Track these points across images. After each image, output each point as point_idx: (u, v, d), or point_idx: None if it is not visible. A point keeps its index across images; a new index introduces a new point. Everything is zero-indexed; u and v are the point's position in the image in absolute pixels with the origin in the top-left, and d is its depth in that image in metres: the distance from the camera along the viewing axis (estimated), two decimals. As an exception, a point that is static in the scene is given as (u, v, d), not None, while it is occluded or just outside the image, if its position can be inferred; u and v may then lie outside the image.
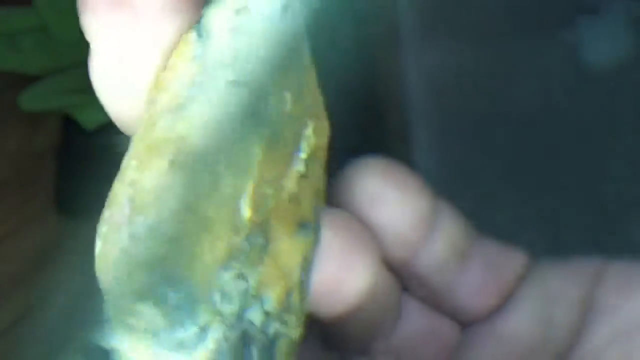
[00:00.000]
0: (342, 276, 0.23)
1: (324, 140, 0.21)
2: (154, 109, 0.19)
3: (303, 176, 0.20)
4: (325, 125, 0.21)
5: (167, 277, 0.18)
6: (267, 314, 0.20)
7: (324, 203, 0.22)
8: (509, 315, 0.25)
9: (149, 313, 0.18)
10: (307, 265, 0.21)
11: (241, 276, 0.19)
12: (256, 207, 0.19)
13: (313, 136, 0.20)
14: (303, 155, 0.20)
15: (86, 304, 0.56)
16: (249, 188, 0.19)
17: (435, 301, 0.25)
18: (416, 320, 0.25)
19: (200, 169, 0.18)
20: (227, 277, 0.19)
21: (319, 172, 0.21)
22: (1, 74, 0.61)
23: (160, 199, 0.18)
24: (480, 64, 0.45)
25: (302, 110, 0.20)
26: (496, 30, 0.46)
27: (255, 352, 0.20)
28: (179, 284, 0.18)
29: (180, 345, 0.19)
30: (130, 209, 0.18)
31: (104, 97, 0.19)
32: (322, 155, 0.21)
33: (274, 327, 0.20)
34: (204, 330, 0.19)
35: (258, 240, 0.19)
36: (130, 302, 0.18)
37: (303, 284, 0.21)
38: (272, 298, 0.20)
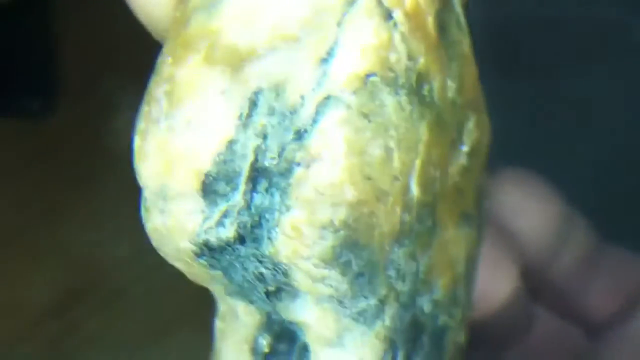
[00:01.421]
0: (489, 285, 0.24)
1: (486, 136, 0.22)
2: (186, 8, 0.19)
3: (466, 170, 0.21)
4: (486, 120, 0.22)
5: (351, 243, 0.18)
6: (435, 303, 0.21)
7: (486, 201, 0.22)
8: (636, 321, 0.25)
9: (336, 279, 0.18)
10: (470, 260, 0.21)
11: (413, 256, 0.19)
12: (424, 187, 0.19)
13: (475, 130, 0.21)
14: (466, 149, 0.21)
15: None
16: (417, 166, 0.19)
17: (564, 308, 0.26)
18: (545, 328, 0.26)
19: (371, 143, 0.18)
20: (401, 254, 0.19)
21: (480, 167, 0.21)
22: None
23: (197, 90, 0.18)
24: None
25: (464, 102, 0.20)
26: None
27: (426, 341, 0.20)
28: (361, 250, 0.18)
29: (362, 315, 0.19)
30: (167, 103, 0.18)
31: (132, 1, 0.19)
32: (484, 151, 0.22)
33: (442, 318, 0.21)
34: (382, 303, 0.19)
35: (428, 222, 0.20)
36: (317, 267, 0.18)
37: (468, 281, 0.21)
38: (441, 286, 0.21)
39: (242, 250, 0.18)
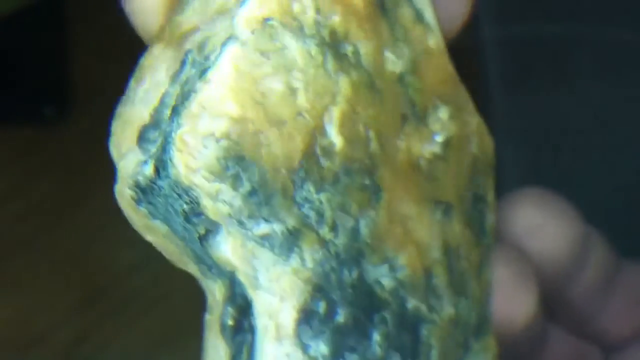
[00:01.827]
0: (511, 310, 0.23)
1: (478, 139, 0.23)
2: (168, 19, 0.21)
3: (440, 158, 0.22)
4: (472, 121, 0.22)
5: (235, 155, 0.19)
6: (400, 282, 0.21)
7: (494, 214, 0.23)
8: None
9: (228, 194, 0.19)
10: (452, 253, 0.22)
11: (344, 209, 0.21)
12: (350, 141, 0.20)
13: (451, 123, 0.22)
14: (440, 138, 0.22)
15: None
16: (335, 115, 0.20)
17: (580, 327, 0.26)
18: (561, 348, 0.26)
19: (269, 77, 0.20)
20: (323, 198, 0.20)
21: (465, 165, 0.22)
22: None
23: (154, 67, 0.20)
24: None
25: (427, 89, 0.22)
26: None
27: (390, 320, 0.21)
28: (248, 165, 0.20)
29: (267, 241, 0.20)
30: (134, 85, 0.20)
31: (135, 19, 0.21)
32: (475, 152, 0.22)
33: (413, 303, 0.21)
34: (294, 236, 0.20)
35: (363, 180, 0.21)
36: (208, 180, 0.19)
37: (455, 275, 0.22)
38: (404, 265, 0.21)
39: (163, 184, 0.20)
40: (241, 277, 0.20)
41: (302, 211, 0.20)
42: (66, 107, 0.59)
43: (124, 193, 0.20)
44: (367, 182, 0.21)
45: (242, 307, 0.21)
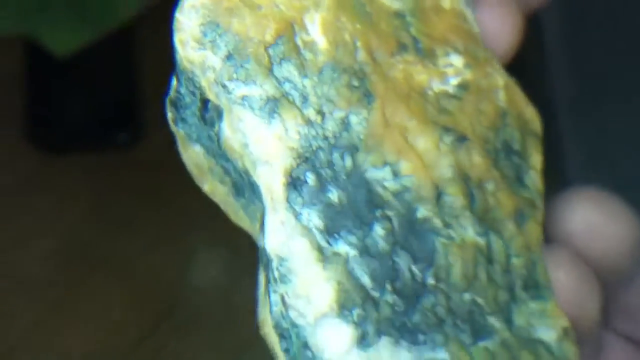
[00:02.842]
0: (575, 315, 0.22)
1: (517, 104, 0.23)
2: None
3: (453, 97, 0.22)
4: (497, 77, 0.23)
5: (211, 22, 0.22)
6: (405, 188, 0.21)
7: (539, 176, 0.23)
8: None
9: (210, 59, 0.22)
10: (472, 182, 0.22)
11: (331, 101, 0.21)
12: (335, 44, 0.22)
13: (468, 71, 0.23)
14: (454, 81, 0.23)
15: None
16: (317, 19, 0.22)
17: (638, 333, 0.25)
18: (617, 355, 0.25)
19: None
20: (305, 82, 0.21)
21: (490, 111, 0.23)
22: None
23: None
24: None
25: (433, 34, 0.23)
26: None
27: (395, 219, 0.21)
28: (223, 31, 0.22)
29: (249, 104, 0.21)
30: None
31: None
32: (502, 105, 0.23)
33: (423, 213, 0.21)
34: (273, 103, 0.21)
35: (351, 81, 0.22)
36: (195, 50, 0.22)
37: (477, 203, 0.22)
38: (409, 174, 0.21)
39: (182, 90, 0.22)
40: (245, 161, 0.21)
41: (282, 87, 0.21)
42: (139, 132, 0.60)
43: (170, 124, 0.23)
44: (355, 83, 0.22)
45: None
